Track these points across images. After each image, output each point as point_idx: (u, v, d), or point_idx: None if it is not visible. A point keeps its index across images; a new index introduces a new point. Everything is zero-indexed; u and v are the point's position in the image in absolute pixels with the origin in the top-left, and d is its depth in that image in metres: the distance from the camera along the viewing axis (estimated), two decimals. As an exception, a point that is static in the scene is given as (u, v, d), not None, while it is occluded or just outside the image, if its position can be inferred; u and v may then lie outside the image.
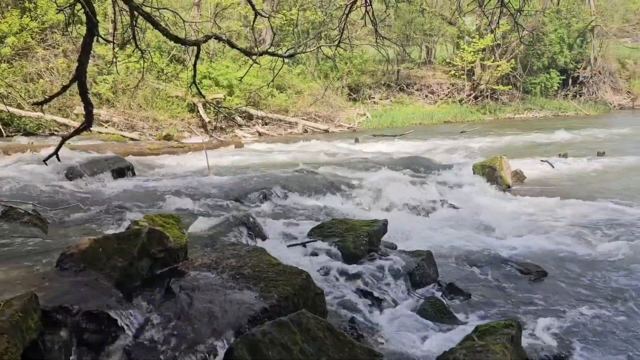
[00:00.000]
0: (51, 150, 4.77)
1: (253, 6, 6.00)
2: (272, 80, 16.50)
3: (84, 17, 4.32)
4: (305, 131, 22.70)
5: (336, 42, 6.73)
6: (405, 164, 10.79)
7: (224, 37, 5.98)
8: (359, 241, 4.96)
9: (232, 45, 5.93)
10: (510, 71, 29.45)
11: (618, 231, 6.78)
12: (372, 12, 5.78)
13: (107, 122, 18.99)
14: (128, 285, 3.26)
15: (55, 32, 20.16)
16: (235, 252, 4.06)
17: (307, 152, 14.60)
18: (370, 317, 4.03)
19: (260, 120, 22.60)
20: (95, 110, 8.62)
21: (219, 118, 21.50)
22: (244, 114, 22.44)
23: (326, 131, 22.86)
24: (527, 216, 7.74)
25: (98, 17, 4.25)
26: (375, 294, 4.37)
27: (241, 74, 20.45)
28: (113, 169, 8.94)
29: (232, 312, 3.16)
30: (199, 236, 5.09)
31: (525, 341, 3.58)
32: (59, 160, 4.61)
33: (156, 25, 4.70)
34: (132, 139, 17.53)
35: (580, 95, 32.38)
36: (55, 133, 17.45)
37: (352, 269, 4.61)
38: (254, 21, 6.54)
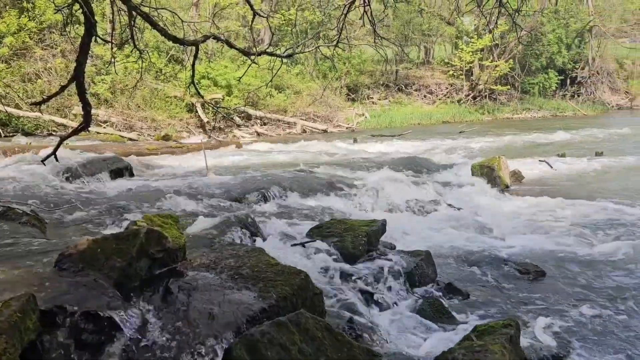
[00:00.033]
0: (49, 150, 4.77)
1: (251, 6, 6.00)
2: (271, 81, 16.51)
3: (82, 17, 4.31)
4: (304, 131, 22.70)
5: (335, 42, 6.73)
6: (404, 164, 10.80)
7: (222, 37, 5.97)
8: (357, 241, 4.96)
9: (231, 45, 5.93)
10: (509, 71, 29.50)
11: (617, 231, 6.79)
12: (371, 12, 5.79)
13: (105, 122, 18.98)
14: (127, 286, 3.26)
15: (54, 32, 20.14)
16: (234, 252, 4.06)
17: (305, 152, 14.61)
18: (369, 317, 4.03)
19: (258, 121, 22.60)
20: (93, 111, 8.61)
21: (218, 118, 21.50)
22: (242, 114, 22.44)
23: (325, 131, 22.87)
24: (525, 216, 7.75)
25: (96, 17, 4.24)
26: (374, 294, 4.38)
27: (240, 74, 20.45)
28: (111, 169, 8.93)
29: (231, 312, 3.16)
30: (197, 236, 5.08)
31: (524, 341, 3.59)
32: (57, 160, 4.60)
33: (154, 25, 4.70)
34: (130, 139, 17.52)
35: (579, 96, 32.44)
36: (54, 133, 17.44)
37: (351, 269, 4.61)
38: (252, 21, 6.54)
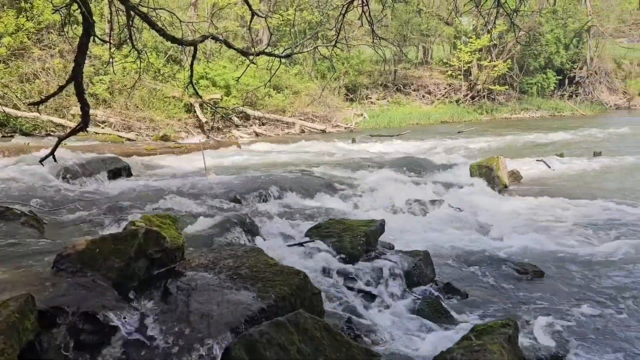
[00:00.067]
0: (47, 150, 4.77)
1: (250, 6, 6.01)
2: (269, 81, 16.49)
3: (80, 17, 4.31)
4: (303, 131, 22.70)
5: (333, 43, 6.73)
6: (403, 164, 10.80)
7: (220, 37, 5.97)
8: (356, 241, 4.96)
9: (229, 46, 5.92)
10: (507, 71, 29.54)
11: (616, 231, 6.80)
12: (369, 12, 5.79)
13: (103, 122, 18.97)
14: (125, 286, 3.25)
15: (52, 32, 20.12)
16: (232, 252, 4.05)
17: (304, 153, 14.61)
18: (368, 317, 4.03)
19: (257, 121, 22.60)
20: (91, 111, 8.61)
21: (216, 118, 21.49)
22: (241, 115, 22.44)
23: (323, 131, 22.87)
24: (524, 216, 7.75)
25: (94, 17, 4.24)
26: (373, 293, 4.38)
27: (238, 74, 20.46)
28: (110, 169, 8.93)
29: (230, 313, 3.16)
30: (196, 236, 5.08)
31: (522, 340, 3.59)
32: (55, 160, 4.60)
33: (153, 25, 4.70)
34: (128, 139, 17.51)
35: (577, 96, 32.50)
36: (52, 134, 17.42)
37: (350, 268, 4.61)
38: (250, 21, 6.54)
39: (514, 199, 8.89)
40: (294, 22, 25.41)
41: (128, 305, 3.11)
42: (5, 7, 19.41)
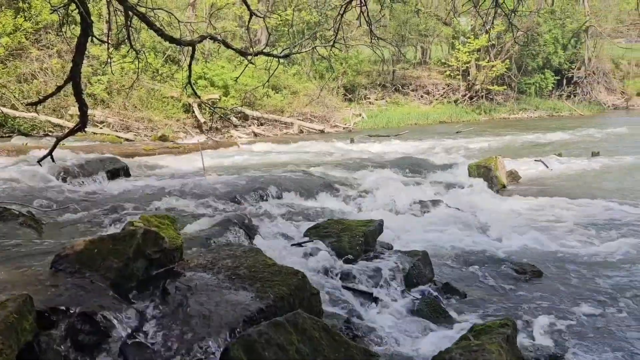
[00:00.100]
0: (46, 151, 4.76)
1: (248, 6, 6.01)
2: (268, 81, 16.48)
3: (78, 18, 4.30)
4: (301, 131, 22.70)
5: (331, 43, 6.73)
6: (401, 164, 10.81)
7: (219, 38, 5.98)
8: (354, 241, 4.96)
9: (227, 46, 5.93)
10: (505, 71, 29.57)
11: (614, 231, 6.81)
12: (367, 12, 5.79)
13: (102, 122, 18.95)
14: (123, 286, 3.25)
15: (50, 33, 20.10)
16: (231, 252, 4.05)
17: (302, 153, 14.61)
18: (366, 317, 4.03)
19: (255, 121, 22.60)
20: (90, 111, 8.59)
21: (215, 119, 21.48)
22: (239, 115, 22.43)
23: (322, 132, 22.88)
24: (522, 216, 7.76)
25: (92, 18, 4.24)
26: (371, 293, 4.38)
27: (236, 75, 20.44)
28: (108, 169, 8.92)
29: (228, 313, 3.15)
30: (194, 237, 5.07)
31: (520, 340, 3.59)
32: (53, 161, 4.59)
33: (151, 25, 4.69)
34: (127, 139, 17.49)
35: (575, 96, 32.54)
36: (50, 134, 17.41)
37: (348, 269, 4.61)
38: (249, 21, 6.53)
39: (513, 199, 8.90)
40: (292, 22, 25.40)
41: (126, 305, 3.11)
42: (3, 7, 19.38)
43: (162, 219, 4.20)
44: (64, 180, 8.19)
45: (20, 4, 19.42)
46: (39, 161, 4.66)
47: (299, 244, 5.01)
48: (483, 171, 10.02)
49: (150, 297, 3.28)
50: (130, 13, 4.64)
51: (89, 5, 4.37)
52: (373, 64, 30.00)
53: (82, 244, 3.40)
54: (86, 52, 4.82)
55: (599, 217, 7.53)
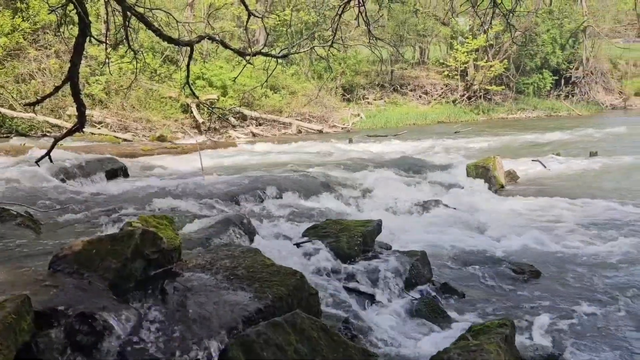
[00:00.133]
0: (44, 151, 4.75)
1: (246, 6, 6.01)
2: (266, 81, 16.49)
3: (76, 18, 4.30)
4: (299, 132, 22.71)
5: (330, 43, 6.74)
6: (400, 165, 10.81)
7: (217, 38, 5.98)
8: (353, 241, 4.96)
9: (226, 46, 5.93)
10: (503, 71, 29.61)
11: (611, 230, 6.81)
12: (365, 12, 5.80)
13: (100, 123, 18.93)
14: (122, 287, 3.25)
15: (48, 33, 20.09)
16: (229, 252, 4.05)
17: (301, 153, 14.61)
18: (365, 317, 4.03)
19: (254, 121, 22.60)
20: (88, 111, 8.59)
21: (213, 119, 21.48)
22: (237, 115, 22.43)
23: (320, 132, 22.88)
24: (520, 216, 7.77)
25: (90, 18, 4.23)
26: (370, 294, 4.38)
27: (235, 75, 20.43)
28: (106, 170, 8.91)
29: (227, 313, 3.15)
30: (193, 237, 5.07)
31: (519, 340, 3.60)
32: (51, 161, 4.59)
33: (149, 25, 4.69)
34: (125, 140, 17.48)
35: (573, 96, 32.59)
36: (48, 134, 17.40)
37: (347, 269, 4.61)
38: (247, 21, 6.53)
39: (511, 199, 8.91)
40: (290, 23, 25.42)
41: (125, 306, 3.11)
42: (1, 7, 19.35)
43: (161, 219, 4.19)
44: (63, 180, 8.18)
45: (18, 4, 19.40)
46: (37, 161, 4.66)
47: (298, 244, 5.01)
48: (481, 171, 10.03)
49: (149, 298, 3.27)
50: (128, 13, 4.63)
51: (87, 5, 4.36)
52: (371, 64, 30.03)
53: (80, 244, 3.40)
54: (84, 53, 4.82)
55: (597, 217, 7.54)
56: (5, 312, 2.49)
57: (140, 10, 5.08)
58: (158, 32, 4.74)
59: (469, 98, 29.85)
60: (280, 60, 19.30)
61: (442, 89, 30.52)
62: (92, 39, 4.45)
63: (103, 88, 19.87)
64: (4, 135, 17.00)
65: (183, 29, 13.41)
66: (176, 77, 21.47)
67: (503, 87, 29.94)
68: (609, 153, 14.08)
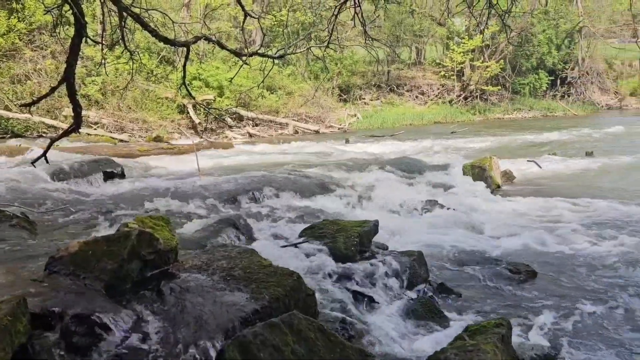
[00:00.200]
0: (40, 152, 4.74)
1: (243, 7, 6.00)
2: (263, 81, 16.50)
3: (72, 18, 4.29)
4: (296, 132, 22.70)
5: (326, 43, 6.74)
6: (396, 165, 10.82)
7: (213, 38, 5.97)
8: (350, 242, 4.96)
9: (222, 46, 5.92)
10: (500, 72, 29.66)
11: (609, 230, 6.83)
12: (361, 13, 5.80)
13: (96, 123, 18.89)
14: (118, 288, 3.24)
15: (43, 33, 20.02)
16: (226, 253, 4.05)
17: (298, 153, 14.61)
18: (362, 317, 4.03)
19: (250, 122, 22.57)
20: (84, 112, 8.58)
21: (209, 119, 21.45)
22: (234, 115, 22.40)
23: (317, 132, 22.88)
24: (516, 216, 7.78)
25: (86, 18, 4.22)
26: (367, 294, 4.38)
27: (231, 75, 20.38)
28: (103, 171, 8.90)
29: (223, 314, 3.15)
30: (189, 238, 5.07)
31: (515, 340, 3.60)
32: (47, 162, 4.57)
33: (145, 26, 4.68)
34: (121, 140, 17.43)
35: (569, 96, 32.67)
36: (44, 135, 17.35)
37: (343, 269, 4.62)
38: (243, 22, 6.53)
39: (507, 199, 8.93)
40: (287, 23, 25.40)
41: (121, 307, 3.10)
42: (-4, 7, 19.30)
43: (157, 220, 4.19)
44: (59, 181, 8.16)
45: (14, 5, 19.33)
46: (33, 162, 4.64)
47: (295, 245, 5.01)
48: (478, 171, 10.05)
49: (145, 299, 3.27)
50: (124, 14, 4.62)
51: (83, 6, 4.35)
52: (368, 65, 30.04)
53: (77, 245, 3.39)
54: (80, 53, 4.81)
55: (594, 217, 7.56)
56: (1, 314, 2.48)
57: (137, 10, 5.07)
58: (154, 33, 4.73)
59: (466, 98, 29.90)
60: (276, 61, 19.29)
61: (438, 89, 30.55)
62: (88, 39, 4.44)
63: (99, 89, 19.82)
64: (0, 136, 16.94)
65: (179, 30, 13.38)
66: (172, 77, 21.42)
67: (499, 87, 29.99)
68: (605, 153, 14.12)
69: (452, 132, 21.51)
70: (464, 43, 28.85)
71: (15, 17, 19.12)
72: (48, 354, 2.68)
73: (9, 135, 17.00)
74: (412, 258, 4.96)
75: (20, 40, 19.33)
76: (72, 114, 4.35)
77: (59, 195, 7.39)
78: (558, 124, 24.04)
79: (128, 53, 5.83)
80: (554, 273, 5.34)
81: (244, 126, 22.26)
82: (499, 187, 9.98)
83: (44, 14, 18.08)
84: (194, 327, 3.04)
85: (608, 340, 3.92)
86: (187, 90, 5.93)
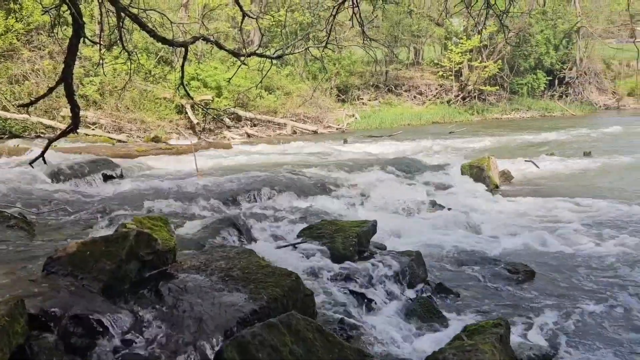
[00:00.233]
0: (37, 152, 4.73)
1: (241, 7, 6.00)
2: (261, 82, 16.49)
3: (70, 19, 4.29)
4: (294, 132, 22.69)
5: (324, 44, 6.74)
6: (394, 165, 10.82)
7: (211, 39, 5.97)
8: (348, 242, 4.97)
9: (220, 47, 5.92)
10: (498, 72, 29.69)
11: (607, 230, 6.84)
12: (360, 13, 5.80)
13: (94, 124, 18.86)
14: (116, 289, 3.24)
15: (41, 34, 20.00)
16: (224, 253, 4.05)
17: (296, 153, 14.60)
18: (360, 317, 4.04)
19: (248, 122, 22.56)
20: (82, 112, 8.57)
21: (207, 120, 21.44)
22: (232, 116, 22.39)
23: (315, 132, 22.88)
24: (515, 216, 7.79)
25: (84, 19, 4.22)
26: (365, 294, 4.38)
27: (229, 75, 20.42)
28: (101, 171, 8.89)
29: (222, 314, 3.15)
30: (188, 238, 5.06)
31: (513, 340, 3.61)
32: (45, 162, 4.57)
33: (143, 26, 4.68)
34: (119, 141, 17.41)
35: (567, 96, 32.71)
36: (42, 135, 17.32)
37: (342, 269, 4.62)
38: (241, 22, 6.52)
39: (505, 199, 8.93)
40: (285, 23, 25.39)
41: (119, 307, 3.10)
42: (-6, 8, 19.26)
43: (155, 220, 4.18)
44: (56, 182, 8.15)
45: (12, 5, 19.30)
46: (31, 163, 4.63)
47: (293, 245, 5.01)
48: (476, 171, 10.06)
49: (144, 300, 3.27)
50: (122, 14, 4.62)
51: (80, 6, 4.35)
52: (366, 65, 30.04)
53: (75, 246, 3.39)
54: (78, 53, 4.80)
55: (592, 217, 7.57)
56: (-1, 315, 2.48)
57: (134, 11, 5.07)
58: (152, 33, 4.73)
59: (464, 98, 29.92)
60: (274, 61, 19.30)
61: (436, 89, 30.57)
62: (86, 39, 4.44)
63: (97, 89, 19.80)
64: (-1, 137, 16.92)
65: (177, 30, 13.40)
66: (170, 77, 21.41)
67: (497, 87, 30.01)
68: (603, 153, 14.14)
69: (450, 132, 21.52)
70: (462, 43, 28.88)
71: (13, 17, 19.10)
72: (46, 355, 2.67)
73: (6, 136, 16.97)
74: (411, 258, 4.96)
75: (18, 40, 19.30)
76: (70, 115, 4.35)
77: (57, 195, 7.38)
78: (556, 124, 24.08)
79: (126, 53, 5.83)
80: (553, 273, 5.35)
81: (242, 126, 22.25)
82: (497, 187, 9.99)
83: (42, 14, 18.08)
84: (193, 327, 3.04)
85: (606, 340, 3.93)
86: (185, 90, 5.93)
